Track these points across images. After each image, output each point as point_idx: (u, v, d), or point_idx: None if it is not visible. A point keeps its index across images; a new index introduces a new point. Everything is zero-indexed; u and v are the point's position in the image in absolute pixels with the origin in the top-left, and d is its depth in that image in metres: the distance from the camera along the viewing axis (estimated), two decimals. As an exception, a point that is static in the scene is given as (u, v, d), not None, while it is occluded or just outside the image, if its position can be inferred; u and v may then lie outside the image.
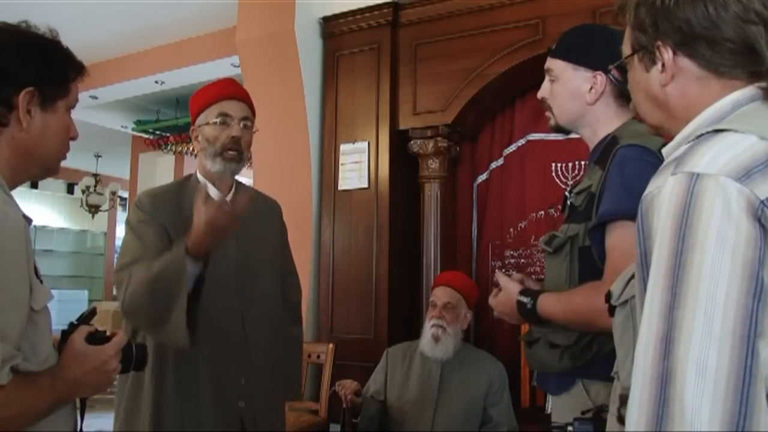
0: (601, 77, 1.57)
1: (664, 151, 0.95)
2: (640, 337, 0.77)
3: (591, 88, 1.57)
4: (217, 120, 1.84)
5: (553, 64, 1.63)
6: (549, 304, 1.51)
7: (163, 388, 1.76)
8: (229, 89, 1.90)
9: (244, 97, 1.92)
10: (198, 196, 1.63)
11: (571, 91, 1.59)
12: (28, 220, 1.12)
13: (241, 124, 1.87)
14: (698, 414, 0.69)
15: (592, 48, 1.59)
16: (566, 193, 1.66)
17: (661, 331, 0.74)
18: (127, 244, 1.83)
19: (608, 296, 1.12)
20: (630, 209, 1.29)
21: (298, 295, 2.16)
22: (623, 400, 0.95)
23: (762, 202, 0.74)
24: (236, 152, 1.86)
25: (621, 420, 0.97)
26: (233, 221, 1.64)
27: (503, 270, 3.36)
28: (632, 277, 1.02)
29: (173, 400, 1.76)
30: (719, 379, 0.69)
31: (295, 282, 2.14)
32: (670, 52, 0.92)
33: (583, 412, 1.27)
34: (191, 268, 1.66)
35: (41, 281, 1.13)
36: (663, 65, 0.93)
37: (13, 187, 1.17)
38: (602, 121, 1.59)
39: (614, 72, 1.54)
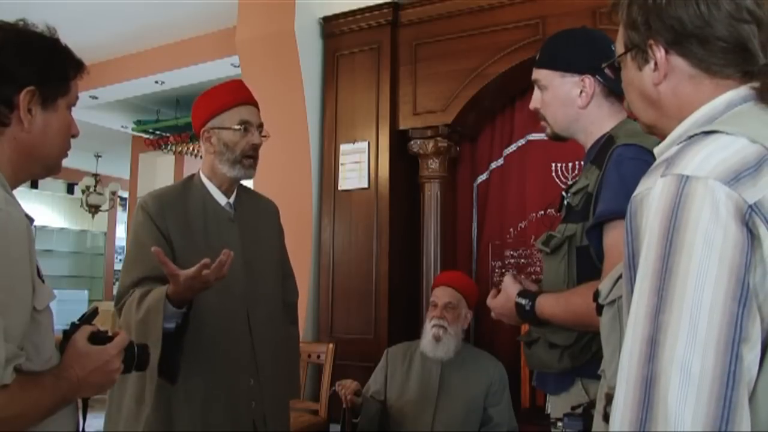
0: (589, 80, 1.58)
1: (655, 150, 0.95)
2: (626, 339, 0.77)
3: (581, 92, 1.58)
4: (240, 127, 1.87)
5: (539, 74, 1.64)
6: (547, 305, 1.51)
7: (172, 395, 1.76)
8: (247, 95, 1.94)
9: (256, 103, 1.95)
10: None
11: (562, 98, 1.61)
12: (30, 220, 1.12)
13: (259, 131, 1.92)
14: (681, 418, 0.69)
15: (575, 53, 1.60)
16: (563, 193, 1.67)
17: (646, 333, 0.74)
18: (128, 246, 1.88)
19: (596, 295, 1.12)
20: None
21: (296, 296, 2.18)
22: (609, 398, 0.95)
23: (750, 206, 0.74)
24: (253, 158, 1.91)
25: (607, 418, 0.97)
26: (210, 284, 1.64)
27: (503, 270, 3.36)
28: (620, 276, 1.02)
29: (185, 405, 1.76)
30: (703, 383, 0.69)
31: (293, 284, 2.16)
32: (663, 51, 0.92)
33: (573, 408, 1.27)
34: (172, 314, 1.67)
35: (43, 281, 1.13)
36: (655, 64, 0.93)
37: (14, 186, 1.17)
38: (596, 122, 1.60)
39: (607, 71, 1.54)
